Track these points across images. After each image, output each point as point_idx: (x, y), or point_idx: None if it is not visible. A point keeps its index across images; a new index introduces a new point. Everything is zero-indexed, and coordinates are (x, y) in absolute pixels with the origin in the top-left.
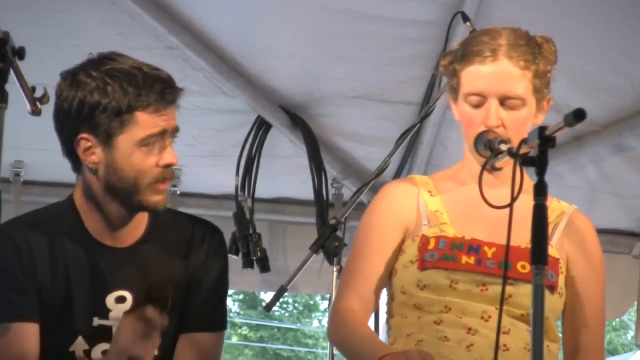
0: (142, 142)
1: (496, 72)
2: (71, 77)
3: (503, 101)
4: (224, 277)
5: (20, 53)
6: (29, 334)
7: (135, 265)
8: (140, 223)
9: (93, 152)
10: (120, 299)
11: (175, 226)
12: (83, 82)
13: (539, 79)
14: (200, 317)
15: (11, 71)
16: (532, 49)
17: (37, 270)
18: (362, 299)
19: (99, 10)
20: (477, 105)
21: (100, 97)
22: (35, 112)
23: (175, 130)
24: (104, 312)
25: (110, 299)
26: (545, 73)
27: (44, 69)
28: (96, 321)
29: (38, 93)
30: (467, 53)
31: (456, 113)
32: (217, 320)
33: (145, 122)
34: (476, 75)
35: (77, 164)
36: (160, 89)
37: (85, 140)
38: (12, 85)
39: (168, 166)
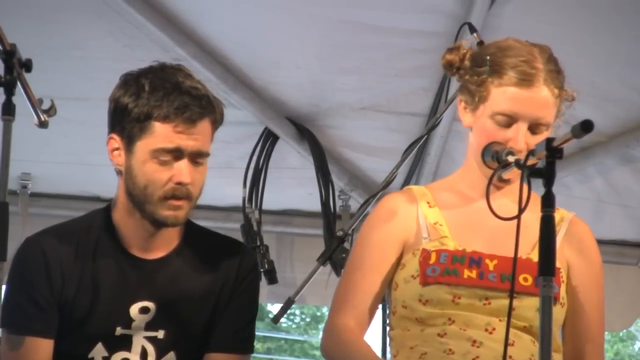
0: (154, 154)
1: (535, 99)
2: (124, 78)
3: (532, 126)
4: (255, 300)
5: (27, 65)
6: (40, 349)
7: (163, 277)
8: (173, 236)
9: (119, 154)
10: (144, 310)
11: (210, 243)
12: (129, 84)
13: (563, 104)
14: (228, 338)
15: (18, 83)
16: (561, 75)
17: (64, 283)
18: (358, 317)
19: (105, 22)
20: (503, 125)
21: (130, 101)
22: (43, 124)
23: (196, 154)
24: (127, 322)
25: (134, 309)
26: (567, 98)
27: (50, 81)
28: (119, 330)
29: (45, 105)
30: (502, 70)
31: (469, 120)
32: (244, 343)
33: (160, 134)
34: (514, 98)
35: None
36: (180, 104)
37: (114, 141)
38: (19, 98)
39: (179, 184)
